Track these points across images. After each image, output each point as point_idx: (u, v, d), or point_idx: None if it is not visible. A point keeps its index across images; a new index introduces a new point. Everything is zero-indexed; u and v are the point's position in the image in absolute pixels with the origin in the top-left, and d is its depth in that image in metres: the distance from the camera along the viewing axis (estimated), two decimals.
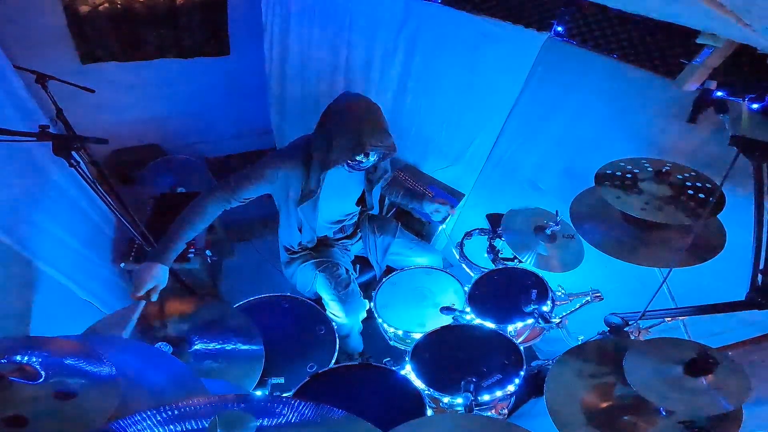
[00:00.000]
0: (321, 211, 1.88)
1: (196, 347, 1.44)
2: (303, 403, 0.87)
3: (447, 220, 2.11)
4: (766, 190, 1.14)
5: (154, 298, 1.53)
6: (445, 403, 1.46)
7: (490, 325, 1.67)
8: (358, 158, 1.69)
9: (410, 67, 2.54)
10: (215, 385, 1.29)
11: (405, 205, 2.21)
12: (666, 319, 1.45)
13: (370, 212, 2.15)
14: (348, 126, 1.64)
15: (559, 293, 1.79)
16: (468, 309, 1.75)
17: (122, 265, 2.34)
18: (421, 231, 2.69)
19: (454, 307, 1.77)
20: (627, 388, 1.13)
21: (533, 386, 1.70)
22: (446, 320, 1.74)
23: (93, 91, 2.52)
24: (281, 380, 1.49)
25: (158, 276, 1.55)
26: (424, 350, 1.60)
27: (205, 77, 3.46)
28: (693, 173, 1.38)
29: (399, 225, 2.22)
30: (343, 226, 2.10)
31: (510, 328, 1.67)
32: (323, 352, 1.67)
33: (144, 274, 1.52)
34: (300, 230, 1.94)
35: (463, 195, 2.63)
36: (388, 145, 1.68)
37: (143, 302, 1.50)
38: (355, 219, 2.13)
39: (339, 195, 1.93)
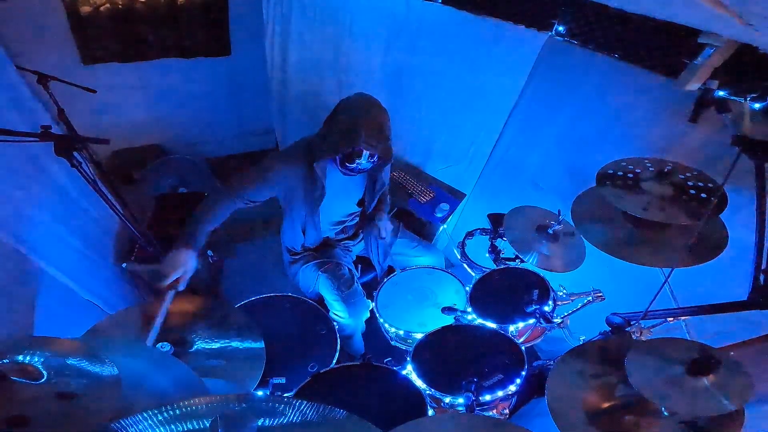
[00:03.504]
0: (323, 211, 1.88)
1: (197, 347, 1.44)
2: (304, 403, 0.87)
3: (447, 219, 2.11)
4: None
5: (182, 287, 1.49)
6: (447, 403, 1.46)
7: (491, 325, 1.67)
8: (349, 156, 1.68)
9: (411, 67, 2.54)
10: (216, 385, 1.30)
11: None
12: (668, 319, 1.45)
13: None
14: (344, 121, 1.65)
15: (561, 293, 1.78)
16: (469, 309, 1.75)
17: (124, 265, 2.34)
18: (423, 231, 2.69)
19: (456, 307, 1.76)
20: (629, 389, 1.13)
21: (535, 386, 1.69)
22: (448, 320, 1.74)
23: (94, 92, 2.53)
24: (282, 380, 1.49)
25: (187, 261, 1.53)
26: (425, 350, 1.60)
27: (207, 77, 3.46)
28: (695, 173, 1.38)
29: (401, 225, 2.22)
30: (345, 227, 2.10)
31: (511, 328, 1.67)
32: (324, 352, 1.67)
33: (173, 260, 1.51)
34: (303, 232, 1.94)
35: (465, 195, 2.62)
36: (380, 147, 1.67)
37: (170, 297, 1.45)
38: (357, 220, 2.13)
39: (340, 195, 1.92)
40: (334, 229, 2.07)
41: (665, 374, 1.10)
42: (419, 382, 1.48)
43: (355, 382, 1.49)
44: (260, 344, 1.48)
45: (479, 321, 1.70)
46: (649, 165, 1.41)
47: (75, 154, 1.45)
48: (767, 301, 1.10)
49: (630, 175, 1.40)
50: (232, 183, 1.74)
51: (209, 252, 2.53)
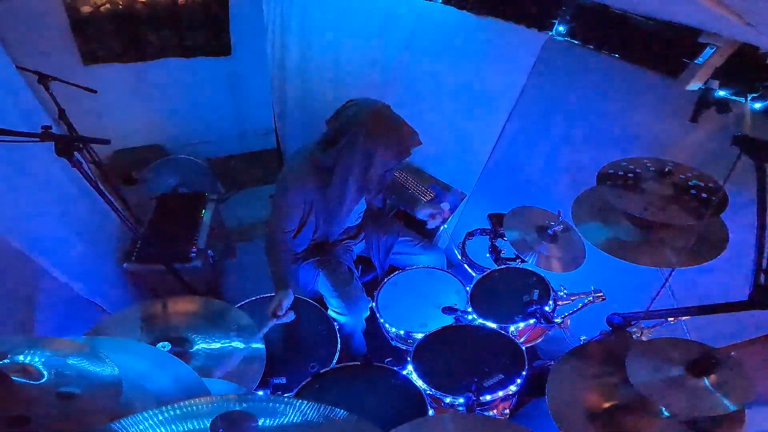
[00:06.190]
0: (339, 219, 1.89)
1: (197, 347, 1.44)
2: (304, 403, 0.87)
3: (448, 220, 2.11)
4: None
5: (288, 318, 1.74)
6: (447, 403, 1.46)
7: (492, 325, 1.67)
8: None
9: (411, 67, 2.54)
10: (217, 385, 1.30)
11: (399, 206, 2.23)
12: (668, 319, 1.45)
13: (374, 209, 2.15)
14: (389, 140, 1.69)
15: (561, 293, 1.78)
16: (470, 309, 1.75)
17: (125, 264, 2.34)
18: (423, 231, 2.69)
19: (456, 307, 1.76)
20: (629, 388, 1.13)
21: (535, 386, 1.69)
22: (448, 320, 1.74)
23: (95, 92, 2.53)
24: (283, 380, 1.49)
25: (288, 296, 1.77)
26: (425, 350, 1.60)
27: (207, 77, 3.47)
28: (695, 173, 1.37)
29: (402, 224, 2.22)
30: (348, 227, 2.10)
31: (512, 328, 1.67)
32: (325, 351, 1.68)
33: (277, 299, 1.74)
34: (311, 239, 1.96)
35: (465, 195, 2.62)
36: (420, 142, 1.79)
37: (273, 322, 1.70)
38: (360, 220, 2.13)
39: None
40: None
41: (666, 374, 1.09)
42: (419, 382, 1.48)
43: (355, 382, 1.49)
44: (261, 344, 1.49)
45: (480, 321, 1.70)
46: (650, 165, 1.41)
47: (75, 154, 1.46)
48: (767, 301, 1.10)
49: (630, 175, 1.40)
50: (269, 230, 1.88)
51: (209, 252, 2.53)
